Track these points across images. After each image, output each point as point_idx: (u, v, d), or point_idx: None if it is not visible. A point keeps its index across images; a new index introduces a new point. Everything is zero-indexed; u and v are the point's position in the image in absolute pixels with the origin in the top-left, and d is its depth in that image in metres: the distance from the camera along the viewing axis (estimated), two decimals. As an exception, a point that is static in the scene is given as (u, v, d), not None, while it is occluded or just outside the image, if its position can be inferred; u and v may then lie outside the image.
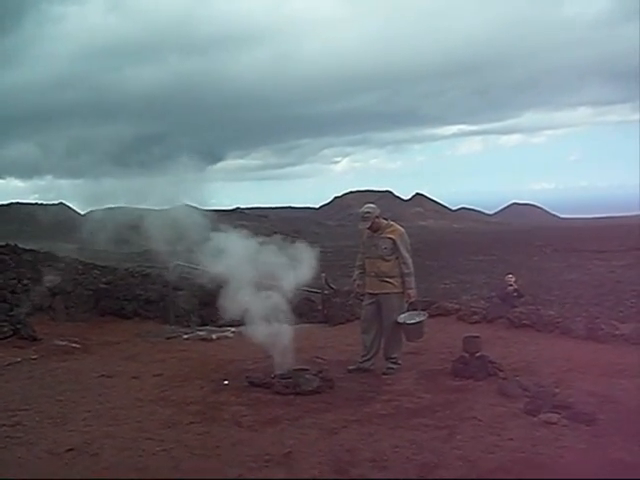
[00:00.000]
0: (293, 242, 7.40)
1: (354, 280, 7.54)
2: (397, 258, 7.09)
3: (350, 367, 7.23)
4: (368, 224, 7.11)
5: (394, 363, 7.16)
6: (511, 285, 12.29)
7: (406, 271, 7.09)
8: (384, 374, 7.00)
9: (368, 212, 7.13)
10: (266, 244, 7.18)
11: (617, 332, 8.54)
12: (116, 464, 4.57)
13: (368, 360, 7.21)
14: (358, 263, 7.46)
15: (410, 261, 7.14)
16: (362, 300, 7.59)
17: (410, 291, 7.11)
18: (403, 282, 7.11)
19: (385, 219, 7.27)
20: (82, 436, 5.16)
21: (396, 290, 7.11)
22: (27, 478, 4.34)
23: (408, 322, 7.10)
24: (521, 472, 4.29)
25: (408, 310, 7.20)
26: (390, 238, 7.09)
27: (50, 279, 11.18)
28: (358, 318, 9.80)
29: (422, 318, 7.22)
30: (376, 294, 7.18)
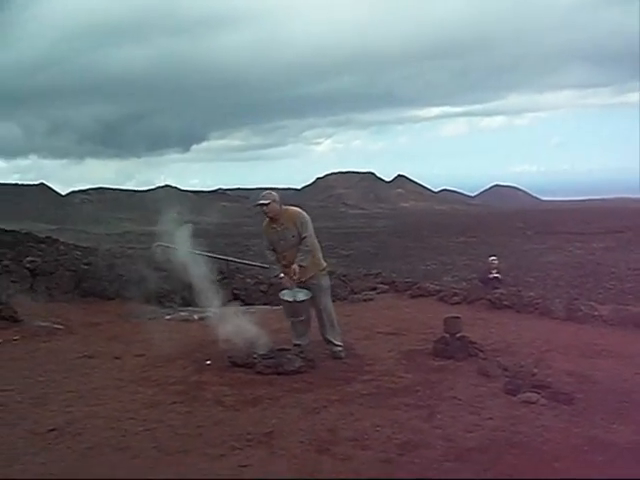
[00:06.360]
0: None
1: (281, 277, 7.00)
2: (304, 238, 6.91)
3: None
4: (268, 201, 6.79)
5: (336, 345, 7.03)
6: (495, 268, 12.41)
7: (304, 248, 6.84)
8: (335, 358, 6.90)
9: (269, 193, 6.91)
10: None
11: (596, 313, 8.65)
12: (98, 444, 4.58)
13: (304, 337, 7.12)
14: (271, 259, 7.08)
15: (312, 240, 6.94)
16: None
17: (294, 266, 6.80)
18: (319, 258, 7.05)
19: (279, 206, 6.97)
20: (64, 416, 5.16)
21: (318, 269, 7.04)
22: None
23: (286, 299, 6.94)
24: (500, 451, 4.35)
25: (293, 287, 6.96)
26: (291, 224, 6.87)
27: (31, 260, 11.11)
28: (337, 298, 9.82)
29: (304, 298, 6.95)
30: (304, 281, 6.98)
